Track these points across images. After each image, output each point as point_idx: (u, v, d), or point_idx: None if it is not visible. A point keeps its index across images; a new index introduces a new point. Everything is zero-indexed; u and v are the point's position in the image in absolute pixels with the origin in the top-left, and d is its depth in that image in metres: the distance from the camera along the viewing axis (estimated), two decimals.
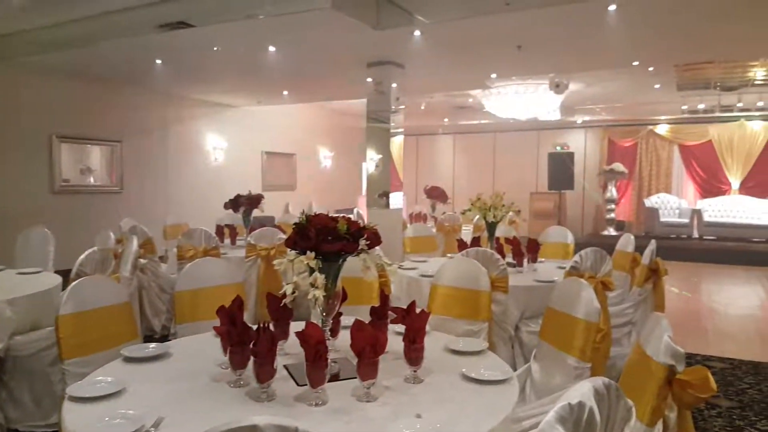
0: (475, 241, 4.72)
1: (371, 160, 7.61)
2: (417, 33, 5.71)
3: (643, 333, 1.74)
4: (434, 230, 7.11)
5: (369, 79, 7.33)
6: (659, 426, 1.59)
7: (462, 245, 4.62)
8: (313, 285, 1.74)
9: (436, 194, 9.00)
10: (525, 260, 4.27)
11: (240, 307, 1.92)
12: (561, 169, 11.31)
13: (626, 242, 4.47)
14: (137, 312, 4.34)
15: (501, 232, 5.52)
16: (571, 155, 11.43)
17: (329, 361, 1.72)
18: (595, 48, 6.52)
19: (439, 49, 6.34)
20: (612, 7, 4.75)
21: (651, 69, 8.49)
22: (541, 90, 10.33)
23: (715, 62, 8.29)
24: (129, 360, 2.00)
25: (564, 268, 3.60)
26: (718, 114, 11.63)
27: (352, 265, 1.88)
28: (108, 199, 8.58)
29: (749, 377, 4.02)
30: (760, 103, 10.56)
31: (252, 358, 1.65)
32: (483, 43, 6.14)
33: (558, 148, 11.44)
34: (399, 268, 4.20)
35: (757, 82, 9.81)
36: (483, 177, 14.84)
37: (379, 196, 7.75)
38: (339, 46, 6.43)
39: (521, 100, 10.37)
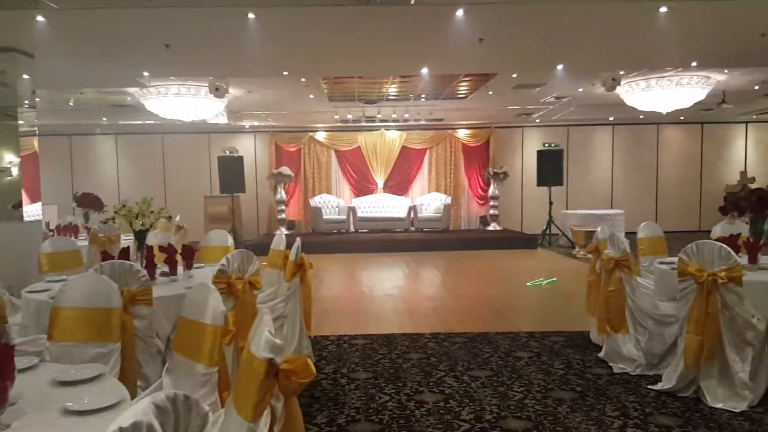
0: (124, 253, 4.32)
1: None
2: (40, 18, 4.94)
3: (250, 333, 1.79)
4: (86, 243, 6.32)
5: None
6: (266, 419, 1.65)
7: (106, 257, 4.17)
8: None
9: (89, 202, 8.04)
10: (181, 268, 4.11)
11: None
12: (231, 173, 11.41)
13: (279, 241, 4.71)
14: None
15: (158, 239, 5.22)
16: (240, 159, 11.61)
17: None
18: (245, 56, 6.73)
19: (73, 40, 5.63)
20: (251, 16, 4.94)
21: (303, 80, 9.25)
22: (203, 93, 10.22)
23: (356, 78, 9.51)
24: None
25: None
26: (364, 124, 13.40)
27: None
28: None
29: (384, 349, 4.68)
30: (394, 115, 12.57)
31: None
32: (127, 38, 5.71)
33: (227, 152, 11.49)
34: (28, 292, 3.57)
35: (390, 97, 11.65)
36: (153, 181, 13.94)
37: (13, 207, 6.52)
38: None
39: (183, 101, 10.06)
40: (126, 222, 4.21)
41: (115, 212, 4.25)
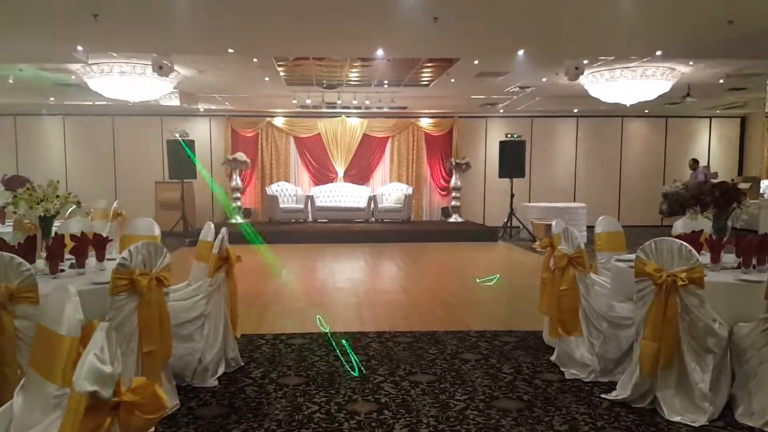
0: (30, 241, 3.82)
1: None
2: None
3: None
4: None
5: None
6: None
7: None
8: None
9: (18, 185, 7.37)
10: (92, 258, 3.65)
11: None
12: (182, 158, 10.82)
13: (207, 232, 4.25)
14: None
15: (81, 227, 4.74)
16: (191, 143, 11.03)
17: None
18: (184, 30, 6.22)
19: None
20: None
21: (255, 60, 8.73)
22: (149, 72, 9.60)
23: (312, 61, 9.03)
24: None
25: None
26: (324, 110, 12.92)
27: None
28: None
29: (322, 349, 4.28)
30: (355, 102, 12.12)
31: None
32: (52, 7, 5.13)
33: (177, 135, 10.88)
34: None
35: (351, 83, 11.20)
36: (102, 165, 13.26)
37: None
38: None
39: (128, 80, 9.42)
40: (27, 206, 3.71)
41: (15, 196, 3.75)
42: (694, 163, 12.56)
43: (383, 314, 5.47)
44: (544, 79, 10.52)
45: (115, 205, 7.27)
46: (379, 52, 6.96)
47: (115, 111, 13.04)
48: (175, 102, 12.01)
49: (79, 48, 6.89)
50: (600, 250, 4.82)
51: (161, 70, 7.96)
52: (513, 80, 10.60)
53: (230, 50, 6.89)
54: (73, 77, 9.88)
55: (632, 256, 3.83)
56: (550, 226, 9.95)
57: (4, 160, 12.96)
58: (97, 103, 11.96)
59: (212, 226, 4.31)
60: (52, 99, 11.96)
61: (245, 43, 6.73)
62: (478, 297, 6.32)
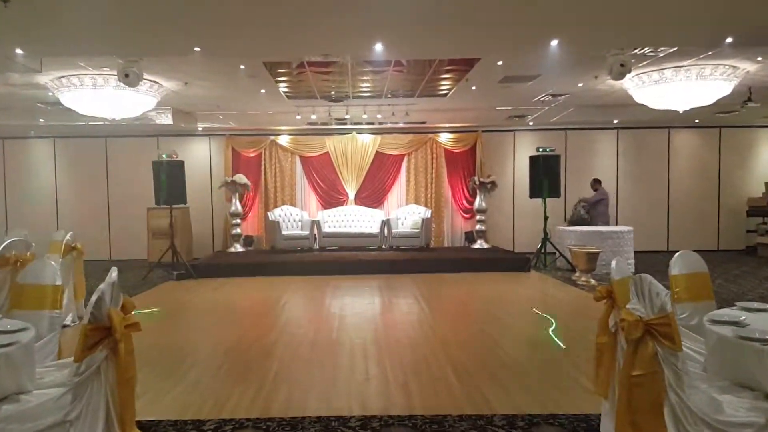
0: None
1: None
2: None
3: None
4: None
5: None
6: None
7: None
8: None
9: None
10: None
11: None
12: (171, 181, 9.67)
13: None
14: None
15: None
16: (180, 164, 9.89)
17: None
18: (132, 25, 5.05)
19: None
20: None
21: (242, 68, 7.58)
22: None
23: (309, 71, 7.83)
24: None
25: None
26: (334, 126, 11.74)
27: None
28: None
29: None
30: (365, 116, 10.88)
31: None
32: None
33: (164, 155, 9.77)
34: None
35: (360, 94, 9.97)
36: (94, 189, 12.32)
37: None
38: None
39: (103, 95, 8.36)
40: None
41: None
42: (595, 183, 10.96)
43: (375, 385, 4.06)
44: (580, 85, 9.12)
45: (68, 237, 6.08)
46: (377, 46, 5.67)
47: (107, 132, 12.10)
48: (168, 120, 11.00)
49: (18, 51, 5.78)
50: (679, 300, 3.36)
51: (127, 78, 6.84)
52: (543, 87, 9.22)
53: (197, 48, 5.69)
54: (49, 93, 8.90)
55: (738, 314, 2.71)
56: (592, 254, 8.54)
57: None
58: (89, 123, 11.03)
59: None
60: (41, 120, 11.06)
61: (210, 39, 5.52)
62: (505, 354, 4.86)
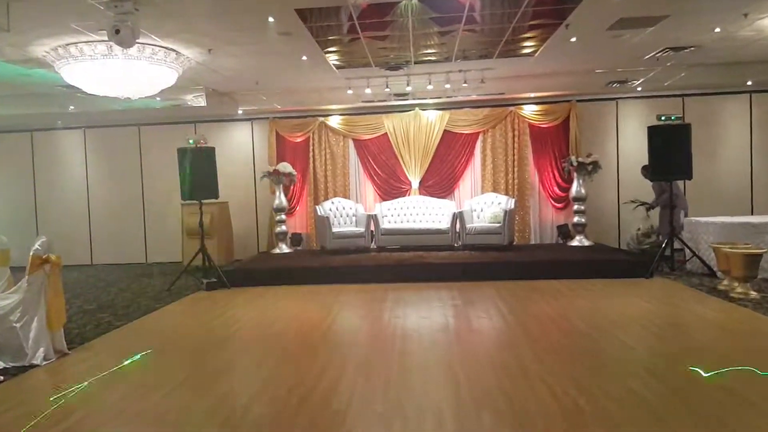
0: None
1: None
2: None
3: None
4: None
5: None
6: None
7: None
8: None
9: None
10: None
11: None
12: (199, 171, 8.09)
13: None
14: None
15: None
16: (210, 152, 8.27)
17: None
18: None
19: None
20: None
21: (271, 20, 5.85)
22: (146, 55, 7.01)
23: (361, 36, 5.97)
24: None
25: None
26: (392, 102, 9.88)
27: None
28: None
29: None
30: (430, 87, 8.90)
31: None
32: None
33: (191, 141, 8.20)
34: None
35: (423, 59, 8.04)
36: (128, 181, 11.10)
37: None
38: None
39: (112, 67, 6.87)
40: None
41: None
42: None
43: None
44: (717, 30, 6.80)
45: (37, 245, 4.49)
46: None
47: (140, 119, 10.78)
48: (202, 103, 9.49)
49: None
50: None
51: (118, 36, 5.23)
52: (664, 36, 7.01)
53: None
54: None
55: None
56: (753, 257, 5.30)
57: (23, 183, 11.12)
58: (119, 109, 9.71)
59: None
60: (72, 107, 9.84)
61: None
62: (633, 394, 2.79)
